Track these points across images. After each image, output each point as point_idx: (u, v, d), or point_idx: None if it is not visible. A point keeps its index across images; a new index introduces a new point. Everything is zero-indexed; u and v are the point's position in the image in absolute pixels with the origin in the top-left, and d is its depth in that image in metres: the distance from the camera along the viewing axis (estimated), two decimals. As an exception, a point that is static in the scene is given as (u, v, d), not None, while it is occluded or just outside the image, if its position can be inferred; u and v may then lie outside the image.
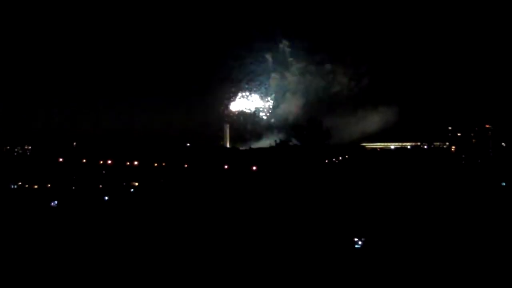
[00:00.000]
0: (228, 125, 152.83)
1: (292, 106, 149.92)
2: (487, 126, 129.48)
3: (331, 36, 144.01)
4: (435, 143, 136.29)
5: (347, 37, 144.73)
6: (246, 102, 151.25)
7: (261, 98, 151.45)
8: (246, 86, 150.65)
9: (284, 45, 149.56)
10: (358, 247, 57.45)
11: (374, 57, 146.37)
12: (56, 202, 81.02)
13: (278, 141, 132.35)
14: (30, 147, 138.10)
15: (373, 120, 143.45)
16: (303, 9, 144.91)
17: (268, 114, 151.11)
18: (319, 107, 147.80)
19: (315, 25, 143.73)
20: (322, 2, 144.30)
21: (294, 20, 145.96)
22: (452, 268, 48.90)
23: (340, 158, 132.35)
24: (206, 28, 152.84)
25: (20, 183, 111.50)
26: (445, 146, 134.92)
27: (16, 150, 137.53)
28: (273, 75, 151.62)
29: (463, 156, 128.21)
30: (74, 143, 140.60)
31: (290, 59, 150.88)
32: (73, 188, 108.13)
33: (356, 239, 58.26)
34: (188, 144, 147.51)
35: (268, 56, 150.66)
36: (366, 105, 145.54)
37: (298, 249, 54.88)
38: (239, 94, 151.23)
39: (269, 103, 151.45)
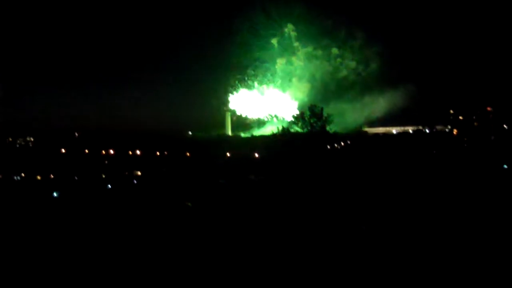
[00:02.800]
0: (229, 113, 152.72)
1: (298, 92, 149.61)
2: (488, 109, 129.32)
3: (338, 20, 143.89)
4: (437, 127, 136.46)
5: (354, 21, 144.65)
6: (251, 89, 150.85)
7: (267, 84, 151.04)
8: (252, 72, 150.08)
9: (289, 30, 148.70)
10: (361, 233, 57.52)
11: (379, 42, 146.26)
12: (58, 192, 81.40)
13: (279, 128, 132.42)
14: (32, 139, 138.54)
15: (378, 105, 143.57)
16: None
17: (273, 100, 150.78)
18: (325, 93, 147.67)
19: (322, 9, 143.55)
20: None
21: (299, 3, 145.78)
22: (454, 254, 49.03)
23: (342, 143, 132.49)
24: (208, 14, 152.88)
25: (23, 175, 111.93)
26: (447, 130, 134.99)
27: (18, 141, 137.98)
28: (278, 60, 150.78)
29: (465, 139, 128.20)
30: (76, 134, 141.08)
31: (296, 43, 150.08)
32: (76, 178, 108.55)
33: (359, 226, 58.36)
34: (190, 133, 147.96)
35: (274, 42, 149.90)
36: (371, 90, 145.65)
37: (301, 236, 55.09)
38: (244, 81, 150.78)
39: (275, 89, 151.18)
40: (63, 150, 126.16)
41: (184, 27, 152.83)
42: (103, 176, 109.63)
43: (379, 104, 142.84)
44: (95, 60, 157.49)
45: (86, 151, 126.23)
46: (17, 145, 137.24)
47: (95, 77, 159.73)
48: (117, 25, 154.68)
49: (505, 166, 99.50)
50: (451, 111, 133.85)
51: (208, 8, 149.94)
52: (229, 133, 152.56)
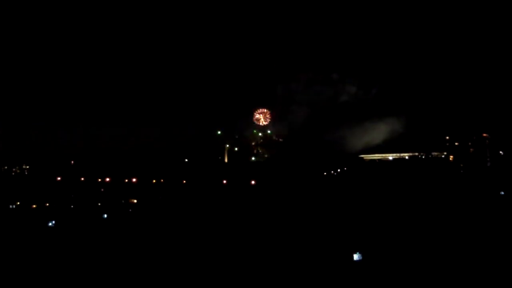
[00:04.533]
0: (227, 144, 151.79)
1: (298, 118, 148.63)
2: (484, 135, 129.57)
3: (338, 48, 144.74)
4: (433, 153, 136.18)
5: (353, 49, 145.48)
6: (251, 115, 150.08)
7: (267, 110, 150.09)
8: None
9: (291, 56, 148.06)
10: (356, 261, 57.17)
11: (374, 71, 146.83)
12: (53, 222, 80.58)
13: (276, 154, 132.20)
14: (28, 167, 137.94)
15: (375, 132, 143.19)
16: (311, 20, 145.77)
17: (273, 126, 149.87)
18: (325, 118, 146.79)
19: (324, 37, 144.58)
20: (330, 13, 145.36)
21: (301, 32, 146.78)
22: (451, 279, 48.72)
23: (339, 170, 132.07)
24: (205, 36, 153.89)
25: (18, 203, 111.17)
26: (443, 156, 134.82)
27: (14, 170, 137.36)
28: (279, 86, 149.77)
29: (461, 165, 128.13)
30: (72, 162, 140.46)
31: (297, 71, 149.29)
32: (72, 206, 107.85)
33: (354, 253, 58.00)
34: (186, 160, 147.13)
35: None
36: (368, 117, 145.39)
37: (296, 263, 54.77)
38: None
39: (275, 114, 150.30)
40: (58, 178, 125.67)
41: (180, 57, 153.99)
42: (99, 204, 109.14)
43: (376, 131, 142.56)
44: (95, 89, 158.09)
45: (82, 178, 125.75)
46: (13, 173, 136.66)
47: (93, 106, 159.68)
48: (113, 55, 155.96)
49: (502, 193, 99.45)
50: (447, 137, 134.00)
51: (203, 27, 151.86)
52: (226, 160, 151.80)
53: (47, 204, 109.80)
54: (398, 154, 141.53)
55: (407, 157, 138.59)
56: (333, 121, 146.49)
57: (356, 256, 55.93)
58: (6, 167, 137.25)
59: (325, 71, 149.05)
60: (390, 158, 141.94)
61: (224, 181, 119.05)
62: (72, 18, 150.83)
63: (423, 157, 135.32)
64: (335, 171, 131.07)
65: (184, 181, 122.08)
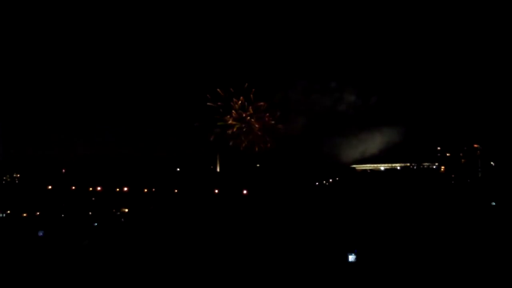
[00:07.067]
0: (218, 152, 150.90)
1: (294, 127, 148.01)
2: (475, 145, 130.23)
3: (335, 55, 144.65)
4: (424, 164, 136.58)
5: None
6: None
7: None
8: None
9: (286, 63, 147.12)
10: (351, 261, 57.42)
11: (366, 81, 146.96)
12: (42, 232, 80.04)
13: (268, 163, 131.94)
14: (18, 175, 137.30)
15: (367, 142, 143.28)
16: (307, 24, 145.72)
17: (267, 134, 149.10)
18: (320, 127, 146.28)
19: (319, 42, 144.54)
20: (328, 18, 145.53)
21: (298, 37, 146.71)
22: (443, 281, 49.11)
23: (331, 180, 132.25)
24: (201, 44, 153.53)
25: (8, 212, 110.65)
26: (434, 167, 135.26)
27: (4, 178, 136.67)
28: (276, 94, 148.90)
29: (453, 176, 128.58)
30: (63, 170, 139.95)
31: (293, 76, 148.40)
32: (62, 215, 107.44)
33: (348, 254, 58.31)
34: (178, 169, 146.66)
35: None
36: (361, 128, 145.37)
37: (291, 266, 55.01)
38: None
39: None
40: (49, 187, 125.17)
41: (172, 62, 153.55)
42: (90, 214, 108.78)
43: (368, 141, 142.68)
44: (85, 97, 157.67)
45: (73, 187, 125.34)
46: (3, 182, 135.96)
47: (84, 114, 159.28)
48: (104, 62, 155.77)
49: (493, 203, 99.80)
50: (438, 148, 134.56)
51: (200, 37, 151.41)
52: (218, 169, 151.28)
53: (38, 213, 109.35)
54: (390, 165, 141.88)
55: (398, 167, 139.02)
56: (325, 130, 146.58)
57: (350, 257, 56.39)
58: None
59: (318, 81, 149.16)
60: (382, 168, 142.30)
61: (216, 190, 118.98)
62: (62, 26, 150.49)
63: (415, 167, 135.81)
64: (327, 181, 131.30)
65: (176, 190, 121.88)
